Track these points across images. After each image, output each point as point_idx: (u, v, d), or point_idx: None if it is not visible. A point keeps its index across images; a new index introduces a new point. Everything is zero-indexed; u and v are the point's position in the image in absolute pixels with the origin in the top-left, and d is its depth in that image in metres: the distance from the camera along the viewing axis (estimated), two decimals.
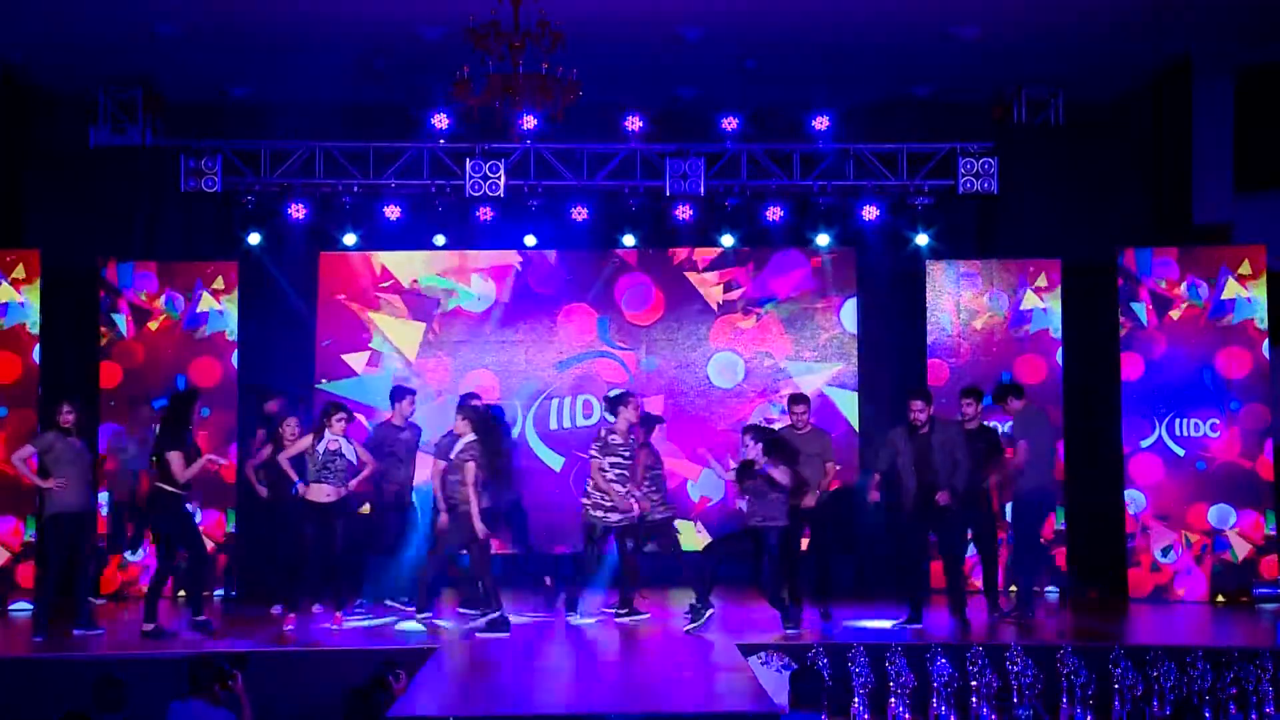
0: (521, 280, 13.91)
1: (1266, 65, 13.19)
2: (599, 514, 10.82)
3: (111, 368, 12.73)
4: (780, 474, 10.24)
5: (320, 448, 10.64)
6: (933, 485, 10.62)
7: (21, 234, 12.73)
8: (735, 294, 13.90)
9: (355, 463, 10.88)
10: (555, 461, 13.62)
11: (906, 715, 9.07)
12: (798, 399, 11.32)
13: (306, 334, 13.67)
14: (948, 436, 10.74)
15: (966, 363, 13.02)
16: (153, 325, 12.81)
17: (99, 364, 12.70)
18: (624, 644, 10.25)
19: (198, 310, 12.84)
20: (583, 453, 13.45)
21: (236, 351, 12.86)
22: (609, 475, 10.80)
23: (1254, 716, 9.05)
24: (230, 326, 12.86)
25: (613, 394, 11.29)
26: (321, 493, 10.64)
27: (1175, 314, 12.49)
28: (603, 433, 10.97)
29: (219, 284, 12.86)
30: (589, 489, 10.88)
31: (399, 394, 11.80)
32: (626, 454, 10.89)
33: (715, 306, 13.91)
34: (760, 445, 10.35)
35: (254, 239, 13.19)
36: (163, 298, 12.83)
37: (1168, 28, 12.18)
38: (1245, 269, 12.45)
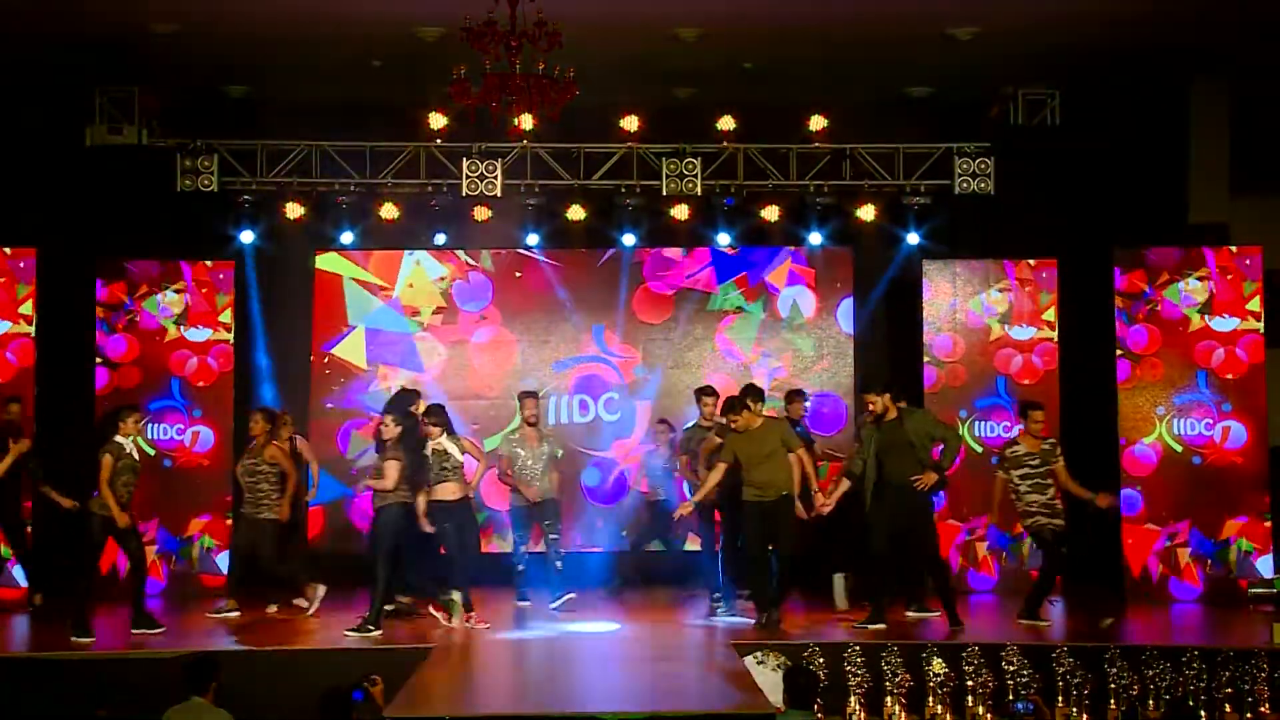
0: (518, 280, 13.91)
1: (1262, 66, 13.20)
2: (1044, 520, 10.67)
3: (106, 369, 12.72)
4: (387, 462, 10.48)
5: (428, 450, 10.76)
6: (901, 474, 10.47)
7: (18, 234, 12.70)
8: (731, 293, 13.92)
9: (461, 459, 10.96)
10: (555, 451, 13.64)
11: (903, 714, 9.09)
12: (705, 391, 11.79)
13: (303, 333, 13.67)
14: (920, 423, 10.64)
15: (962, 363, 13.04)
16: (149, 325, 12.81)
17: (94, 364, 12.70)
18: (619, 643, 10.27)
19: (194, 310, 12.84)
20: (579, 446, 13.55)
21: (233, 351, 12.88)
22: (1023, 488, 10.70)
23: (1249, 716, 9.08)
24: (226, 326, 12.86)
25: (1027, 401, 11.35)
26: (447, 491, 10.75)
27: (1171, 314, 12.53)
28: (1006, 452, 10.85)
29: (215, 284, 12.87)
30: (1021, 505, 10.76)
31: (706, 392, 11.88)
32: (1034, 463, 10.73)
33: (711, 306, 13.94)
34: (398, 431, 10.65)
35: (250, 238, 13.18)
36: (159, 297, 12.82)
37: (1164, 28, 12.18)
38: (1241, 269, 12.49)
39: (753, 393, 11.09)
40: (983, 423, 12.83)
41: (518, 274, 13.93)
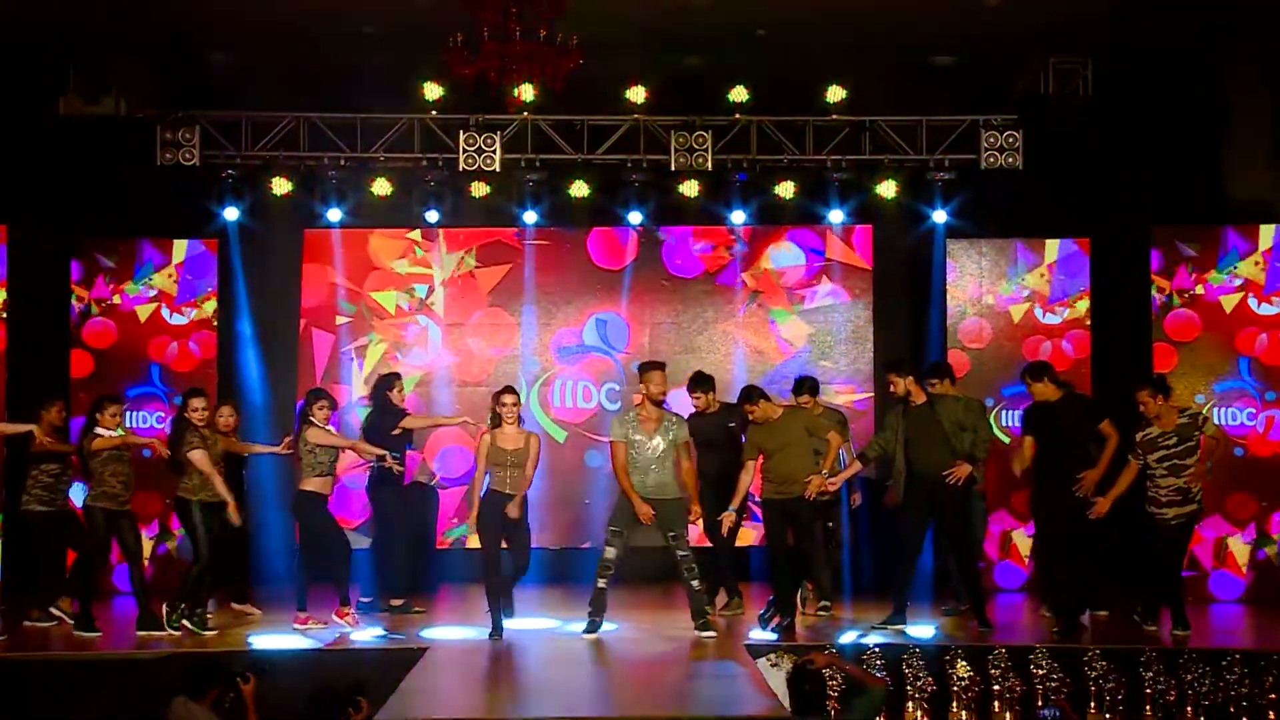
0: (517, 261, 13.88)
1: None
2: (1154, 509, 10.41)
3: (82, 353, 12.75)
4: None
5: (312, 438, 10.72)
6: (933, 465, 10.38)
7: None
8: (744, 275, 13.88)
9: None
10: (559, 434, 13.73)
11: None
12: (699, 380, 11.33)
13: (290, 315, 13.65)
14: (952, 410, 10.50)
15: (989, 348, 13.04)
16: (127, 307, 12.83)
17: (69, 349, 12.72)
18: (629, 646, 10.24)
19: (174, 292, 12.86)
20: (583, 431, 13.56)
21: (215, 334, 12.92)
22: (1158, 471, 10.34)
23: None
24: (209, 308, 12.90)
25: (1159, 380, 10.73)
26: (327, 485, 10.83)
27: (1211, 297, 12.48)
28: (1138, 435, 10.41)
29: (197, 263, 12.88)
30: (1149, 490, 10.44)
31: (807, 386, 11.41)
32: (1171, 442, 10.32)
33: (723, 288, 13.90)
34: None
35: (234, 215, 13.13)
36: (137, 278, 12.84)
37: None
38: None
39: (809, 384, 11.20)
40: (1010, 411, 12.77)
41: (517, 255, 13.87)
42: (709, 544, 11.33)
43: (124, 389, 12.49)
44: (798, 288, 13.89)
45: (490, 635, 10.21)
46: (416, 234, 13.81)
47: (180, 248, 12.90)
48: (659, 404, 10.52)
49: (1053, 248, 13.09)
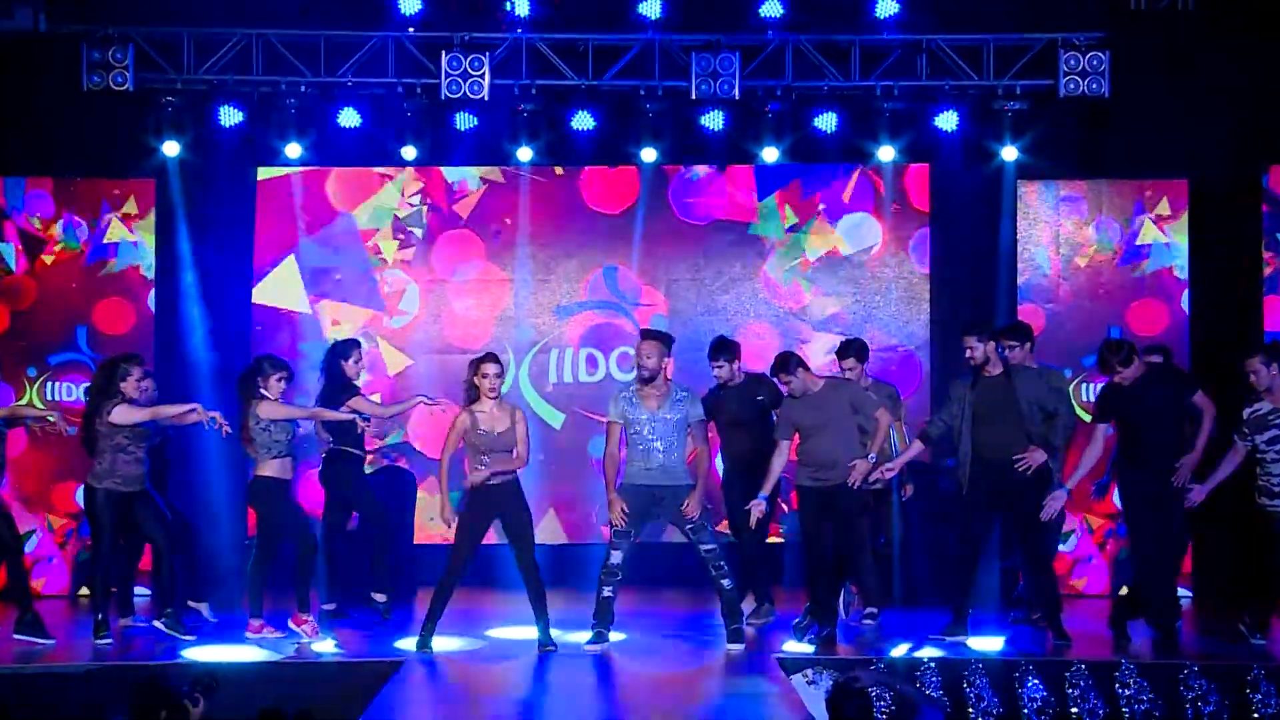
0: (510, 205, 13.83)
1: None
2: (1265, 500, 10.29)
3: None
4: None
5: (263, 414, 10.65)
6: (1004, 447, 10.30)
7: None
8: (777, 222, 13.82)
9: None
10: (555, 419, 13.73)
11: None
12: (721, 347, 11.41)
13: (240, 269, 13.60)
14: (1033, 387, 10.40)
15: (1068, 308, 13.05)
16: (48, 258, 12.95)
17: None
18: (639, 660, 10.25)
19: (104, 240, 12.98)
20: (585, 409, 13.48)
21: (153, 291, 12.96)
22: (1269, 455, 10.20)
23: None
24: (145, 260, 13.01)
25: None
26: (286, 469, 10.75)
27: None
28: (1246, 412, 10.28)
29: (131, 207, 13.00)
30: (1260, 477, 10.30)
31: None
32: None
33: (752, 238, 13.85)
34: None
35: (175, 150, 13.04)
36: (60, 224, 12.95)
37: None
38: None
39: (855, 349, 11.29)
40: (1092, 385, 12.67)
41: (509, 198, 13.82)
42: (734, 539, 11.36)
43: (45, 355, 12.56)
44: (841, 237, 13.81)
45: (418, 646, 10.26)
46: (389, 173, 13.74)
47: (111, 189, 12.94)
48: (651, 378, 10.43)
49: (1144, 191, 13.02)
